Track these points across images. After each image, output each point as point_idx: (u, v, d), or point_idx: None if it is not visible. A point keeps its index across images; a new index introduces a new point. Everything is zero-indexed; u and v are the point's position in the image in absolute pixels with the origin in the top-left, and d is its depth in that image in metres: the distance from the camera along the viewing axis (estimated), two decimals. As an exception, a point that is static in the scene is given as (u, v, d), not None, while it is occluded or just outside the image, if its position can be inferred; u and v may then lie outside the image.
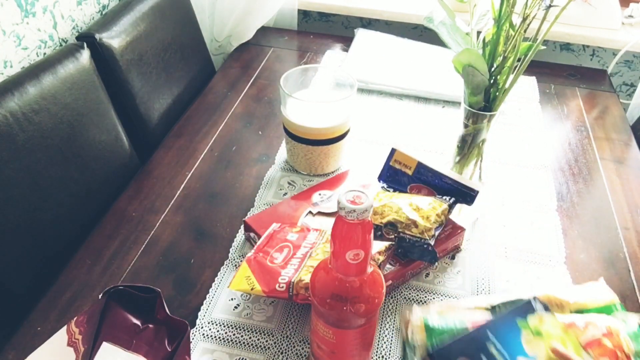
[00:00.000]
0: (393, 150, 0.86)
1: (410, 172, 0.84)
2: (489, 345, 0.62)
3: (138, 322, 0.66)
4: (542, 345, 0.61)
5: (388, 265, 0.76)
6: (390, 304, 0.76)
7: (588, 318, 0.67)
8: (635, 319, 0.68)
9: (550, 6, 0.73)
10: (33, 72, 0.88)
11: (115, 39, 1.06)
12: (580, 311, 0.70)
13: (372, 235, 0.54)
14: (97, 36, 1.03)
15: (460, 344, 0.62)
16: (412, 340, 0.67)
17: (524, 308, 0.66)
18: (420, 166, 0.84)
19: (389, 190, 0.86)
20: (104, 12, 1.21)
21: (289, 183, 0.97)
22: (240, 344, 0.70)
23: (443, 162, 0.87)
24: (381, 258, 0.72)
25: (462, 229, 0.82)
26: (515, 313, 0.65)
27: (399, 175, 0.85)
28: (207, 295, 0.76)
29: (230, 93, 1.21)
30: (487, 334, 0.62)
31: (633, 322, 0.68)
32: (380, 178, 0.88)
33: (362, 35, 1.39)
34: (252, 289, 0.69)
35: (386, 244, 0.73)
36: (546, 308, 0.66)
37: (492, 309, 0.69)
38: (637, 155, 1.07)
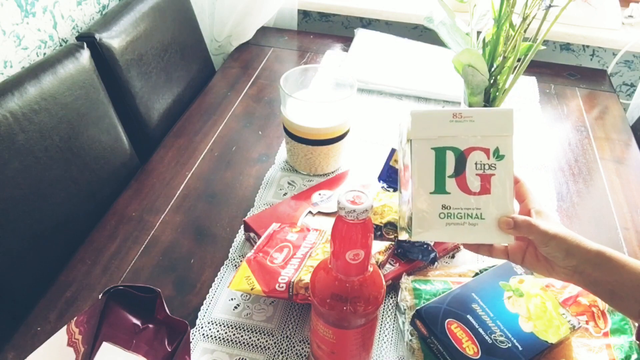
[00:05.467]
0: (393, 150, 0.86)
1: (410, 172, 0.84)
2: (474, 306, 0.67)
3: (138, 322, 0.66)
4: (523, 303, 0.67)
5: (388, 265, 0.76)
6: (390, 304, 0.76)
7: None
8: None
9: (550, 6, 0.73)
10: (33, 72, 0.88)
11: (115, 39, 1.06)
12: None
13: (372, 235, 0.54)
14: (97, 36, 1.03)
15: (445, 303, 0.67)
16: (402, 303, 0.72)
17: (505, 271, 0.72)
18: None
19: (389, 190, 0.86)
20: (104, 12, 1.21)
21: (289, 183, 0.97)
22: (240, 344, 0.70)
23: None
24: (381, 258, 0.72)
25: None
26: (497, 275, 0.71)
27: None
28: (207, 295, 0.76)
29: (230, 93, 1.21)
30: (472, 296, 0.68)
31: None
32: (380, 178, 0.88)
33: (362, 35, 1.39)
34: (252, 289, 0.69)
35: (386, 244, 0.73)
36: (529, 272, 0.72)
37: (476, 274, 0.74)
38: (637, 155, 1.07)
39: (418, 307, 0.68)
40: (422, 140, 0.59)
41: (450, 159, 0.59)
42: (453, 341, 0.63)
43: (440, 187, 0.59)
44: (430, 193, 0.59)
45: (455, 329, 0.64)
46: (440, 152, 0.59)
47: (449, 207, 0.59)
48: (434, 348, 0.65)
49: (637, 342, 0.58)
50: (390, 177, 0.86)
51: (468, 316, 0.66)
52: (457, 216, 0.59)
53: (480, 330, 0.64)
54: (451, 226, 0.60)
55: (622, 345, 0.66)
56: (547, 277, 0.61)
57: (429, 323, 0.65)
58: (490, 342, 0.63)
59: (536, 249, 0.60)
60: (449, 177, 0.59)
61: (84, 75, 0.96)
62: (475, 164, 0.59)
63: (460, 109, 0.59)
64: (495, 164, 0.59)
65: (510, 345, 0.63)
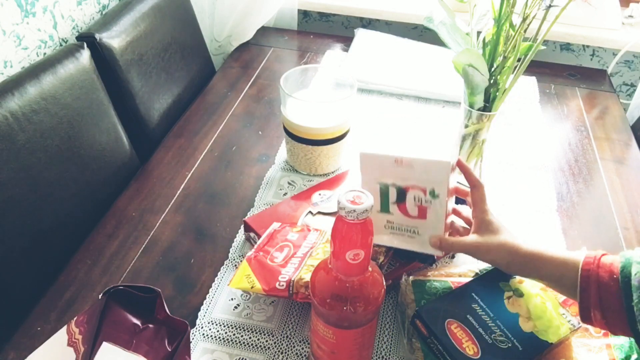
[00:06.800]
0: None
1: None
2: (474, 306, 0.67)
3: (138, 322, 0.66)
4: (523, 303, 0.67)
5: (388, 265, 0.76)
6: (390, 304, 0.76)
7: None
8: None
9: (550, 6, 0.73)
10: (33, 72, 0.88)
11: (115, 39, 1.06)
12: None
13: (372, 235, 0.54)
14: (97, 36, 1.03)
15: (445, 303, 0.68)
16: (402, 303, 0.72)
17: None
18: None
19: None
20: (104, 12, 1.21)
21: (289, 183, 0.97)
22: (240, 344, 0.70)
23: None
24: (381, 258, 0.72)
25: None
26: (497, 276, 0.71)
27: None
28: (207, 295, 0.76)
29: (230, 93, 1.21)
30: (472, 296, 0.68)
31: None
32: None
33: (362, 35, 1.39)
34: (252, 287, 0.69)
35: (386, 244, 0.73)
36: None
37: (476, 275, 0.74)
38: (637, 155, 1.07)
39: (418, 307, 0.68)
40: (369, 176, 0.69)
41: (393, 192, 0.68)
42: (453, 341, 0.63)
43: (385, 208, 0.69)
44: (377, 212, 0.70)
45: (455, 329, 0.64)
46: (384, 186, 0.68)
47: (392, 222, 0.70)
48: (434, 348, 0.65)
49: (583, 323, 0.61)
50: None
51: (468, 316, 0.66)
52: (398, 229, 0.70)
53: (480, 330, 0.64)
54: (394, 235, 0.70)
55: (622, 345, 0.66)
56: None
57: (429, 323, 0.65)
58: (490, 342, 0.63)
59: None
60: (392, 203, 0.69)
61: (84, 75, 0.96)
62: (414, 197, 0.68)
63: (402, 156, 0.67)
64: (430, 200, 0.67)
65: (510, 345, 0.63)
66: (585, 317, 0.59)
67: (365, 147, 0.68)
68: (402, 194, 0.67)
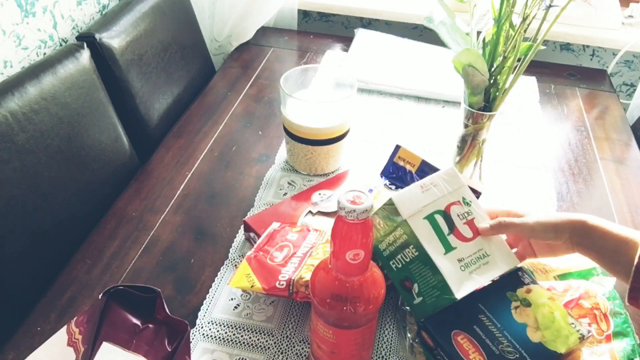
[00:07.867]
0: (397, 147, 0.86)
1: (414, 170, 0.85)
2: (481, 317, 0.65)
3: (138, 322, 0.66)
4: (531, 313, 0.66)
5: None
6: (390, 304, 0.76)
7: (567, 283, 0.73)
8: (610, 282, 0.73)
9: (550, 6, 0.73)
10: (33, 72, 0.88)
11: (115, 39, 1.06)
12: (563, 276, 0.75)
13: (372, 235, 0.54)
14: (97, 36, 1.03)
15: (451, 314, 0.66)
16: (403, 305, 0.72)
17: (512, 281, 0.70)
18: (425, 164, 0.84)
19: (391, 188, 0.86)
20: (104, 12, 1.21)
21: (289, 183, 0.97)
22: (240, 344, 0.70)
23: (443, 162, 0.87)
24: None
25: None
26: (503, 286, 0.69)
27: (401, 172, 0.85)
28: (207, 295, 0.76)
29: (230, 93, 1.21)
30: (478, 307, 0.66)
31: (609, 284, 0.72)
32: (382, 174, 0.88)
33: (362, 35, 1.39)
34: (252, 286, 0.69)
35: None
36: (531, 274, 0.71)
37: None
38: (637, 155, 1.07)
39: (424, 319, 0.66)
40: (414, 215, 0.66)
41: (441, 220, 0.67)
42: (460, 352, 0.62)
43: (447, 246, 0.65)
44: (444, 255, 0.65)
45: (461, 340, 0.63)
46: (431, 218, 0.66)
47: (462, 259, 0.65)
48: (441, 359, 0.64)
49: (628, 303, 0.60)
50: (393, 173, 0.86)
51: (475, 327, 0.64)
52: (472, 263, 0.65)
53: (487, 341, 0.62)
54: (473, 273, 0.65)
55: (624, 349, 0.66)
56: (558, 257, 0.68)
57: (435, 334, 0.64)
58: (498, 352, 0.61)
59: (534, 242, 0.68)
60: (448, 234, 0.66)
61: (84, 75, 0.96)
62: (458, 215, 0.67)
63: (421, 181, 0.68)
64: (469, 210, 0.68)
65: (518, 355, 0.61)
66: (633, 297, 0.58)
67: (395, 194, 0.68)
68: (448, 218, 0.67)
